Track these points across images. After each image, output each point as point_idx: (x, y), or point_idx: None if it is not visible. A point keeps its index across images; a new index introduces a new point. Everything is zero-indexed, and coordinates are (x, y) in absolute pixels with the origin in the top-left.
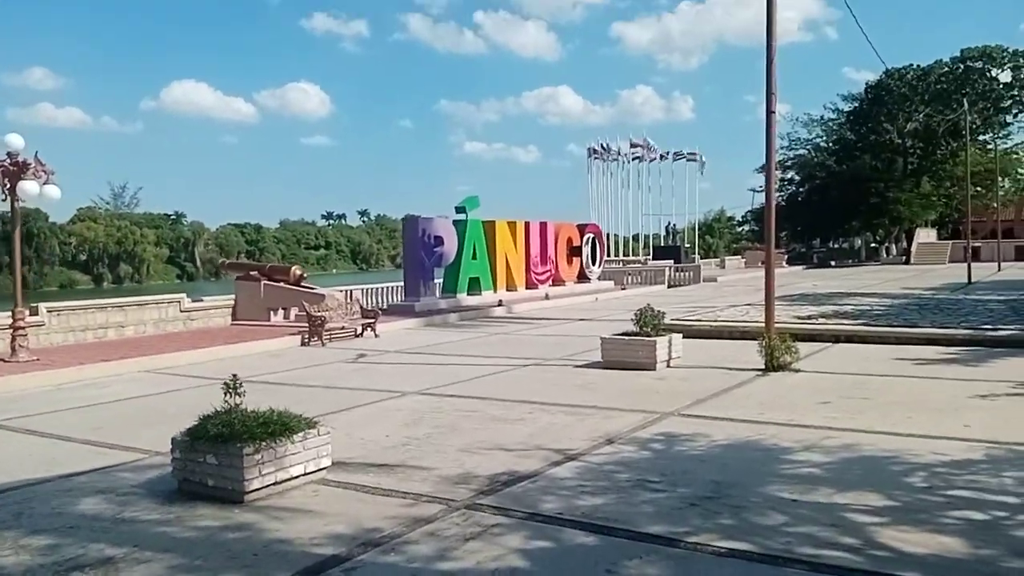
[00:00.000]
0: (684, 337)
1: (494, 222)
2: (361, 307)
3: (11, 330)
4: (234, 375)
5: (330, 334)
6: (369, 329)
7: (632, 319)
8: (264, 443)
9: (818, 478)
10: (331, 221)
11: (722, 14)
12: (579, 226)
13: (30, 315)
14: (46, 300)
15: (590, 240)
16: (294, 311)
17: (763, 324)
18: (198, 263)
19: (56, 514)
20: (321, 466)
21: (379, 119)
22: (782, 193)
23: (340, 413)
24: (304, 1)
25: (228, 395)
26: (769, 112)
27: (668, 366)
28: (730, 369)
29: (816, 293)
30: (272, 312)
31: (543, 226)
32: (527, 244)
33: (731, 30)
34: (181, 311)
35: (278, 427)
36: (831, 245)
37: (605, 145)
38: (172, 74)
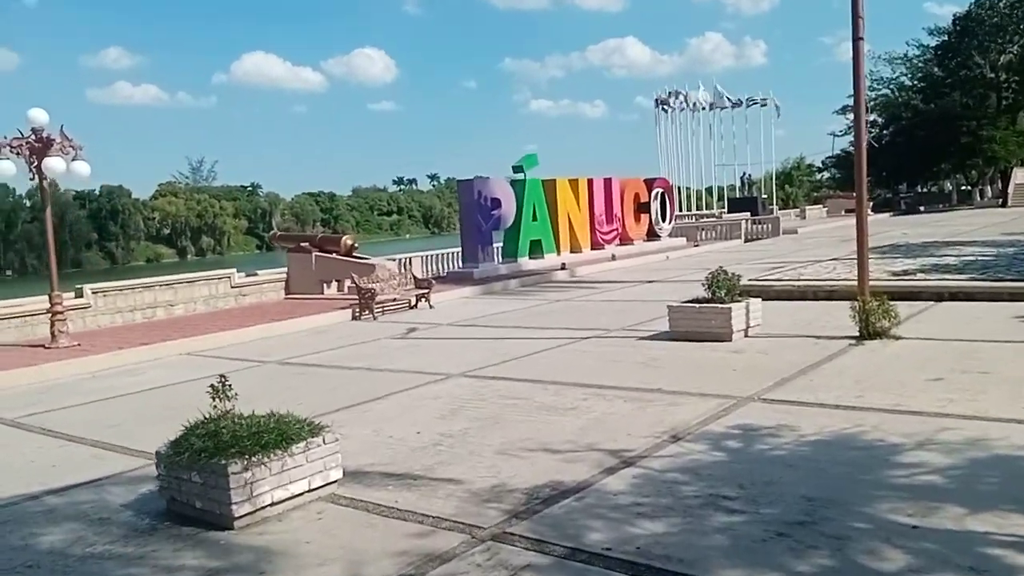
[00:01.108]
0: (764, 300)
1: (555, 180)
2: (415, 277)
3: (49, 315)
4: (223, 376)
5: (382, 307)
6: (423, 300)
7: (703, 282)
8: (256, 458)
9: (941, 490)
10: (402, 186)
11: None
12: (646, 181)
13: (76, 297)
14: (134, 274)
15: (659, 195)
16: (347, 283)
17: (854, 283)
18: (276, 231)
19: (22, 547)
20: (330, 479)
21: (444, 81)
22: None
23: (373, 403)
24: None
25: (216, 399)
26: (856, 39)
27: (746, 336)
28: (818, 338)
29: (908, 243)
30: (325, 284)
31: (607, 182)
32: (591, 202)
33: None
34: (232, 287)
35: (273, 437)
36: (919, 190)
37: (675, 91)
38: (242, 47)
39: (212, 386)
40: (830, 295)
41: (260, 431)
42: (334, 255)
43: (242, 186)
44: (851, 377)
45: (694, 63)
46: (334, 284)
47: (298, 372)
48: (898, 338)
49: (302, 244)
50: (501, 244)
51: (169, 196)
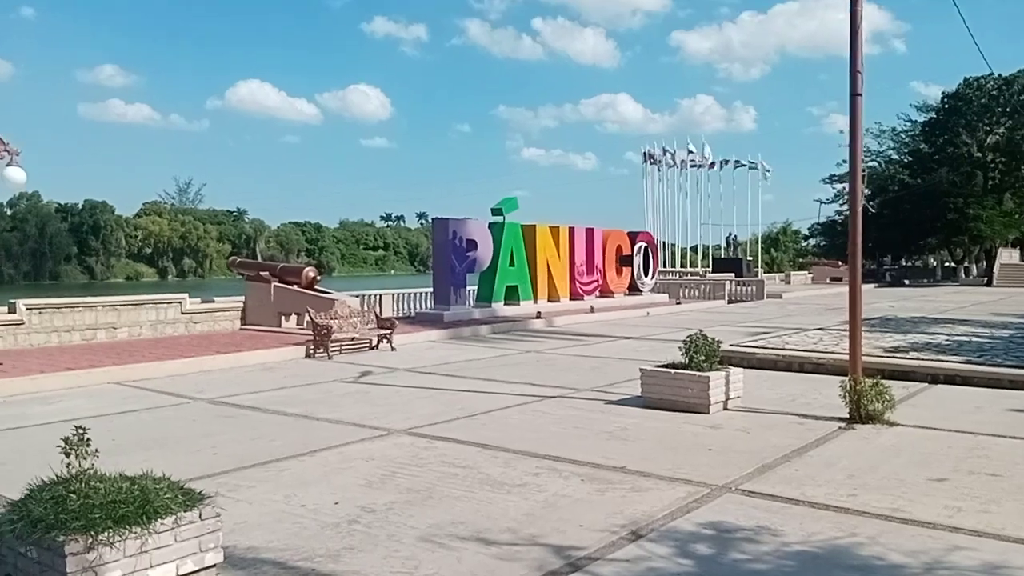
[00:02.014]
0: (746, 368)
1: (534, 226)
2: (376, 316)
3: None
4: (81, 428)
5: (339, 346)
6: (385, 341)
7: (681, 346)
8: (105, 535)
9: None
10: (390, 222)
11: (784, 25)
12: (630, 234)
13: (8, 312)
14: (113, 291)
15: (642, 249)
16: (305, 318)
17: (844, 356)
18: (259, 259)
19: None
20: (204, 564)
21: (438, 122)
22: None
23: (296, 459)
24: (365, 5)
25: (69, 455)
26: (854, 95)
27: (725, 408)
28: (804, 417)
29: (897, 317)
30: (284, 317)
31: (589, 232)
32: (571, 251)
33: (793, 41)
34: (183, 313)
35: (133, 509)
36: (903, 263)
37: (663, 149)
38: (238, 73)
39: (65, 439)
40: (817, 368)
41: (117, 500)
42: (295, 287)
43: (228, 211)
44: (842, 469)
45: (685, 123)
46: (293, 317)
47: (227, 414)
48: (892, 424)
49: (261, 273)
50: (476, 288)
51: (153, 215)
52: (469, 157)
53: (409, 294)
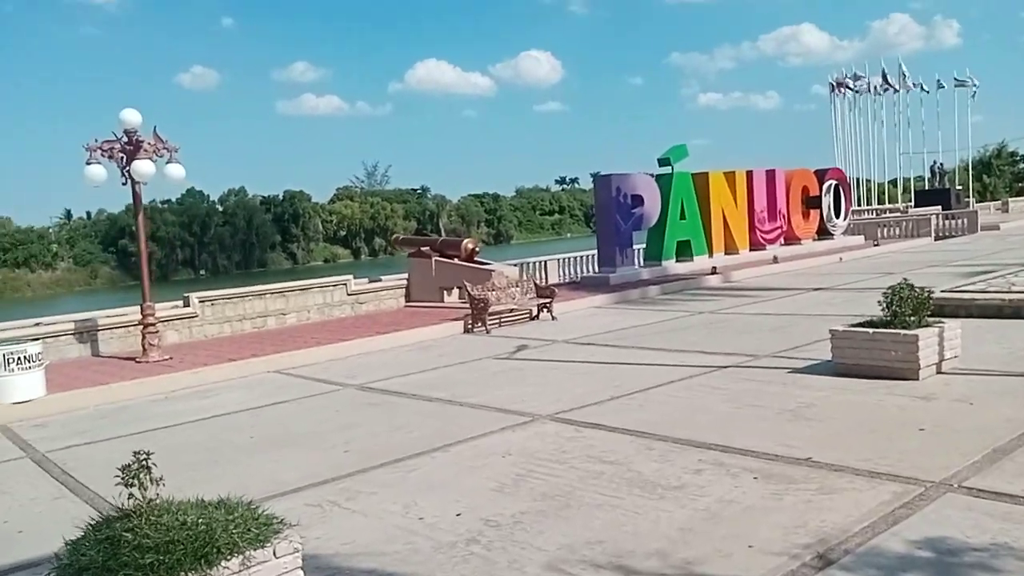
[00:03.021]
0: (963, 316)
1: (707, 174)
2: (535, 285)
3: (141, 327)
4: (143, 453)
5: (498, 318)
6: (545, 310)
7: (881, 300)
8: None
9: None
10: (564, 186)
11: None
12: (817, 172)
13: (183, 306)
14: (313, 274)
15: (832, 188)
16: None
17: None
18: (443, 233)
19: None
20: None
21: (609, 79)
22: None
23: (428, 456)
24: None
25: (132, 484)
26: None
27: (938, 372)
28: None
29: None
30: (446, 292)
31: (770, 174)
32: (750, 197)
33: None
34: (348, 294)
35: (190, 550)
36: None
37: (854, 74)
38: (416, 55)
39: (122, 468)
40: None
41: (176, 540)
42: (455, 260)
43: (412, 189)
44: None
45: (878, 48)
46: (455, 292)
47: (373, 401)
48: None
49: (422, 248)
50: (643, 246)
51: (345, 200)
52: (644, 111)
53: (575, 257)
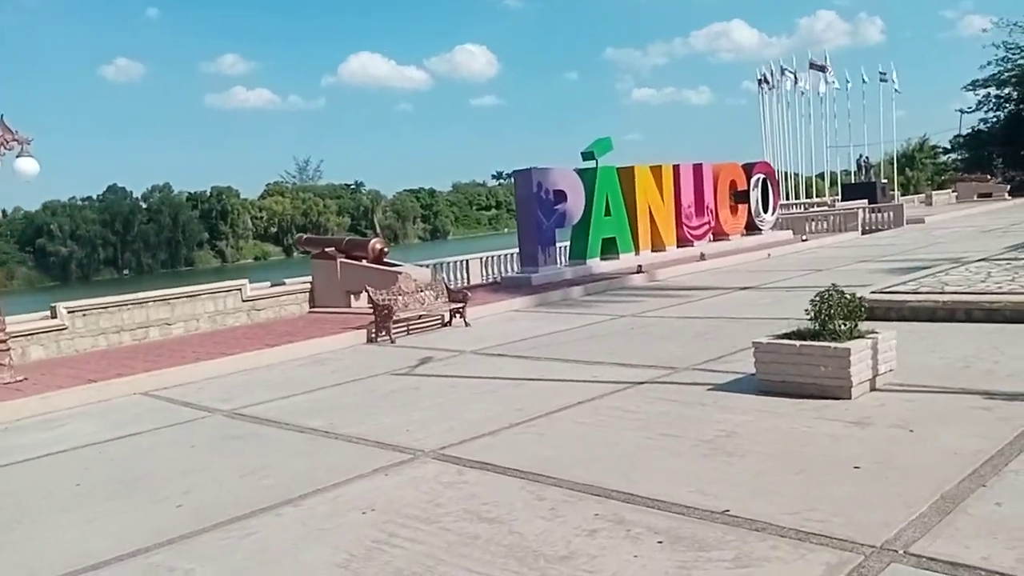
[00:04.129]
0: (895, 319)
1: (633, 168)
2: (447, 288)
3: None
4: None
5: (406, 325)
6: (458, 316)
7: (808, 308)
8: None
9: None
10: (501, 180)
11: None
12: (745, 166)
13: (50, 318)
14: (242, 273)
15: (760, 182)
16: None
17: None
18: (377, 230)
19: None
20: None
21: (545, 74)
22: (998, 112)
23: (274, 512)
24: None
25: None
26: None
27: (872, 388)
28: (989, 397)
29: None
30: (353, 296)
31: (697, 168)
32: (677, 192)
33: None
34: (243, 300)
35: None
36: None
37: (781, 68)
38: (349, 48)
39: None
40: (990, 315)
41: None
42: (362, 262)
43: (346, 184)
44: None
45: (805, 44)
46: (363, 296)
47: (235, 434)
48: None
49: (327, 249)
50: (568, 244)
51: (276, 195)
52: (579, 105)
53: (498, 256)
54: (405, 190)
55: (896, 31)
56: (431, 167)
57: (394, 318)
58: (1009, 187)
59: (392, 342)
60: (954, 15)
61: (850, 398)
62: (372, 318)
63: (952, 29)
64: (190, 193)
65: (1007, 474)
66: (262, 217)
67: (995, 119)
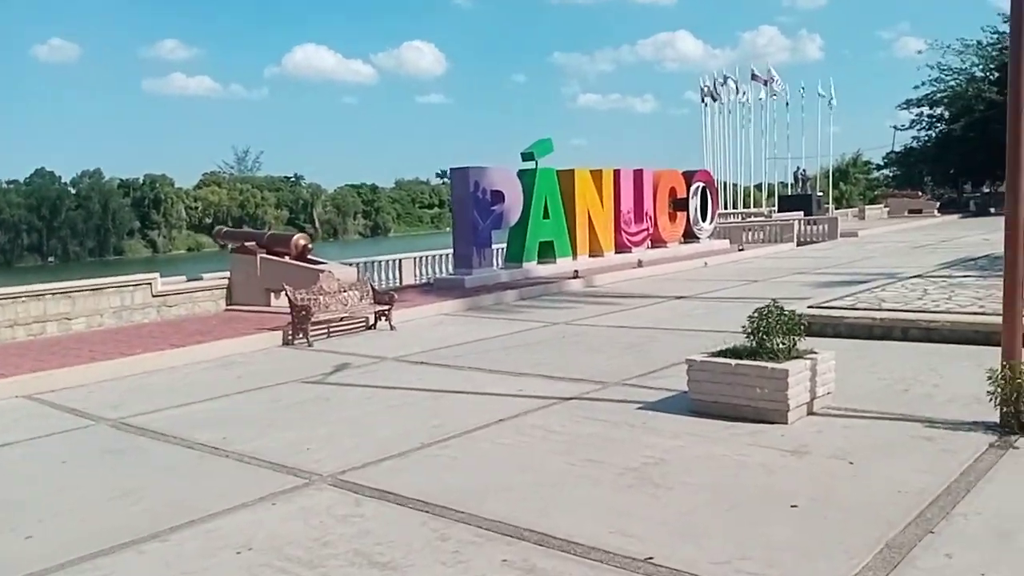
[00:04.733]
0: (831, 336)
1: (572, 171)
2: (373, 289)
3: None
4: None
5: (327, 327)
6: (383, 318)
7: (745, 326)
8: None
9: None
10: (445, 179)
11: None
12: (685, 174)
13: None
14: (174, 265)
15: (699, 190)
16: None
17: (967, 318)
18: (317, 224)
19: None
20: None
21: (493, 75)
22: (929, 131)
23: (137, 548)
24: None
25: None
26: None
27: (810, 412)
28: (930, 424)
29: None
30: (273, 294)
31: (638, 174)
32: (617, 197)
33: None
34: (154, 296)
35: None
36: (984, 190)
37: (723, 77)
38: (294, 39)
39: None
40: (927, 334)
41: None
42: (285, 258)
43: (285, 177)
44: (1017, 545)
45: (748, 58)
46: (284, 294)
47: (119, 447)
48: None
49: (247, 243)
50: (504, 245)
51: (212, 185)
52: (526, 107)
53: (432, 256)
54: (346, 185)
55: (834, 49)
56: (374, 163)
57: (313, 319)
58: (939, 204)
59: (309, 345)
60: (890, 36)
61: (787, 423)
62: (291, 319)
63: (888, 49)
64: (122, 180)
65: (956, 518)
66: (197, 208)
67: (927, 138)
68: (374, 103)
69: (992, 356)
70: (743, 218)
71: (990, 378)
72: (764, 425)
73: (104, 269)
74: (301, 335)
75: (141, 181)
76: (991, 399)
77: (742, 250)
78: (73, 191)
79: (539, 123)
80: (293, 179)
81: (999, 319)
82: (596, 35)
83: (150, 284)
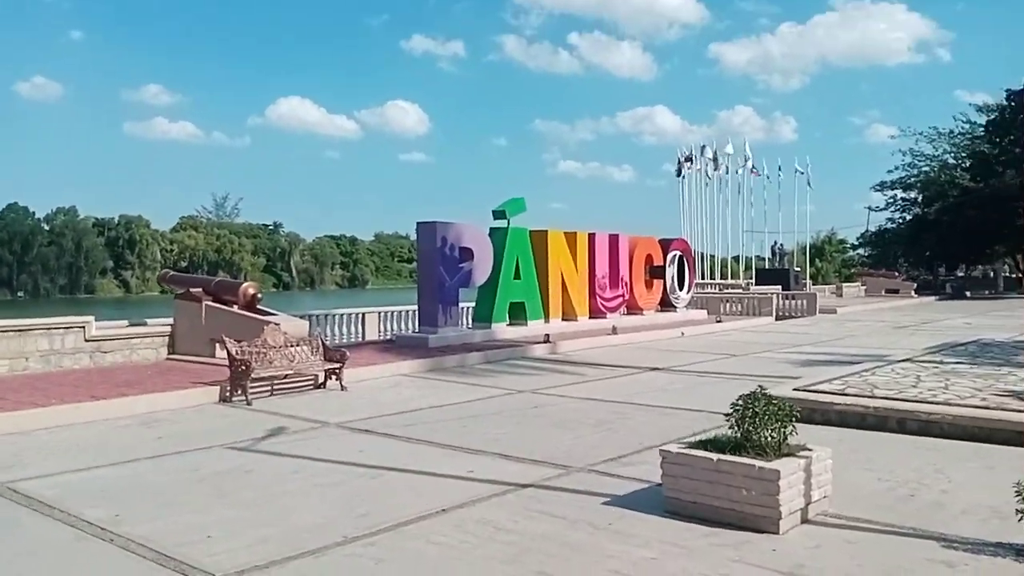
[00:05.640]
0: (819, 423)
1: (546, 232)
2: (324, 345)
3: None
4: None
5: (269, 384)
6: (334, 377)
7: (728, 415)
8: None
9: None
10: None
11: (824, 36)
12: (662, 241)
13: None
14: (146, 306)
15: (676, 259)
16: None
17: (971, 412)
18: (294, 273)
19: None
20: None
21: (475, 137)
22: (904, 214)
23: None
24: (404, 23)
25: None
26: None
27: (804, 520)
28: (945, 543)
29: (996, 341)
30: (219, 345)
31: (613, 239)
32: (591, 261)
33: (834, 52)
34: (87, 340)
35: None
36: (957, 273)
37: (701, 147)
38: (278, 92)
39: None
40: (926, 428)
41: None
42: (233, 307)
43: (264, 224)
44: None
45: (724, 134)
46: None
47: None
48: None
49: (192, 289)
50: (473, 304)
51: (190, 229)
52: (505, 170)
53: (398, 312)
54: (326, 235)
55: (807, 131)
56: (354, 216)
57: (253, 375)
58: (916, 285)
59: (248, 404)
60: (862, 122)
61: (778, 532)
62: (229, 373)
63: (860, 135)
64: (97, 219)
65: None
66: (172, 250)
67: (901, 220)
68: (356, 158)
69: (1000, 456)
70: (720, 289)
71: (1018, 493)
72: (751, 534)
73: (74, 307)
74: (240, 392)
75: (116, 221)
76: (1020, 517)
77: (720, 321)
78: (47, 227)
79: (519, 186)
80: (272, 227)
81: (1004, 415)
82: (576, 106)
83: (83, 328)
